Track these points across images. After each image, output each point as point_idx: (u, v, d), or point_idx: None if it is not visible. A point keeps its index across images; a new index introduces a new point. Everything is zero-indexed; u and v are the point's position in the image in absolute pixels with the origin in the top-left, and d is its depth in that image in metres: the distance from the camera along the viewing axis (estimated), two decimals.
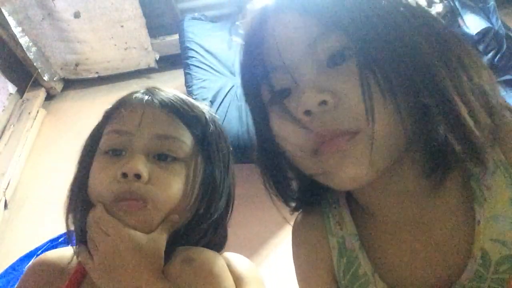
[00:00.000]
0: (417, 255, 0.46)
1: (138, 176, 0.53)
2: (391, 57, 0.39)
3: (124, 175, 0.53)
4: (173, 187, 0.55)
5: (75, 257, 0.62)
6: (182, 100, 0.61)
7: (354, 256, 0.49)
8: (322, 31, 0.41)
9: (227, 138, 0.66)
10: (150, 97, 0.59)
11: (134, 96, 0.61)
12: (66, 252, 0.66)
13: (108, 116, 0.62)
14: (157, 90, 0.62)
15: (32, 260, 0.66)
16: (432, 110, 0.39)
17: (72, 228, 0.64)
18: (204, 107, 0.64)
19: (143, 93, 0.61)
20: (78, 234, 0.63)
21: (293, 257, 0.58)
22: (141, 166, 0.54)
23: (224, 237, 0.67)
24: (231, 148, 0.66)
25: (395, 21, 0.40)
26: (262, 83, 0.46)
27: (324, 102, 0.40)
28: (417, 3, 0.43)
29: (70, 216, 0.64)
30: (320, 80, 0.41)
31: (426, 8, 0.45)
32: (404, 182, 0.45)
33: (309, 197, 0.55)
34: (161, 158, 0.56)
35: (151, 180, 0.54)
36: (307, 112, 0.41)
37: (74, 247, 0.63)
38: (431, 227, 0.46)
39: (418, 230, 0.46)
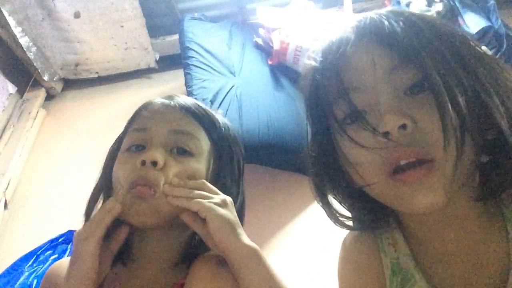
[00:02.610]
0: (464, 274, 0.50)
1: (154, 164, 0.59)
2: (463, 92, 0.42)
3: (143, 162, 0.59)
4: (186, 174, 0.61)
5: None
6: (199, 105, 0.68)
7: (410, 274, 0.51)
8: (400, 61, 0.44)
9: (241, 146, 0.72)
10: (169, 101, 0.67)
11: (154, 100, 0.68)
12: None
13: (131, 120, 0.70)
14: (175, 96, 0.69)
15: (46, 272, 0.67)
16: (490, 138, 0.44)
17: None
18: (219, 114, 0.72)
19: (162, 98, 0.68)
20: None
21: (341, 273, 0.60)
22: (158, 155, 0.59)
23: None
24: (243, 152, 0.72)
25: (464, 60, 0.44)
26: (337, 102, 0.47)
27: (403, 126, 0.42)
28: (472, 41, 0.48)
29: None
30: (400, 106, 0.44)
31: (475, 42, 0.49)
32: (458, 208, 0.49)
33: (369, 219, 0.57)
34: (178, 151, 0.62)
35: (165, 169, 0.60)
36: (386, 134, 0.43)
37: None
38: (475, 248, 0.49)
39: (464, 251, 0.50)
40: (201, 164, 0.63)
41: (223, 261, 0.58)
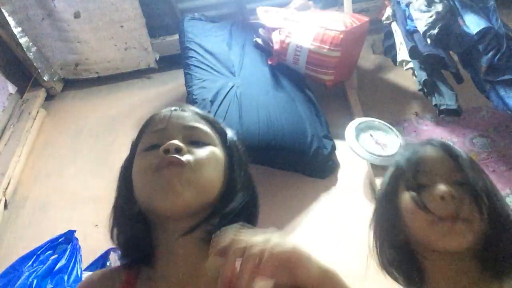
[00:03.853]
0: None
1: (178, 150, 0.60)
2: (486, 193, 0.70)
3: (166, 151, 0.60)
4: (208, 156, 0.63)
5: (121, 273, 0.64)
6: (208, 115, 0.73)
7: None
8: (458, 167, 0.72)
9: (248, 161, 0.73)
10: (179, 107, 0.71)
11: (165, 109, 0.71)
12: (111, 270, 0.69)
13: (143, 128, 0.70)
14: (188, 105, 0.74)
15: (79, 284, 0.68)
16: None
17: (116, 242, 0.67)
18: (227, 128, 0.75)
19: (174, 105, 0.72)
20: (124, 248, 0.66)
21: None
22: (178, 142, 0.61)
23: None
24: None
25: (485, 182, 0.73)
26: (406, 183, 0.74)
27: (453, 196, 0.68)
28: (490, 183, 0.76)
29: (115, 230, 0.66)
30: (450, 186, 0.70)
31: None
32: (467, 274, 0.69)
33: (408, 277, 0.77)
34: (193, 144, 0.64)
35: (190, 154, 0.61)
36: (442, 198, 0.68)
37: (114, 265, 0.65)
38: None
39: None
40: (217, 151, 0.66)
41: None
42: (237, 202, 0.65)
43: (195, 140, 0.64)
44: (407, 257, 0.75)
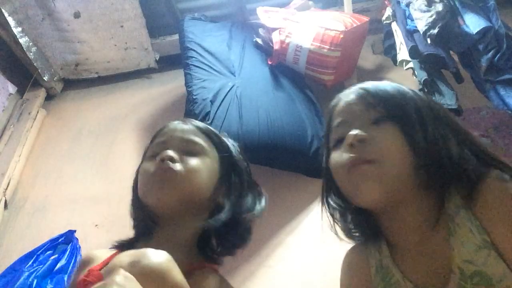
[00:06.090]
0: (420, 265, 0.65)
1: (171, 159, 0.73)
2: (411, 123, 0.65)
3: (162, 160, 0.73)
4: (198, 165, 0.75)
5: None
6: (210, 128, 0.84)
7: (389, 270, 0.68)
8: (370, 105, 0.68)
9: (250, 171, 0.87)
10: (184, 121, 0.83)
11: (173, 121, 0.84)
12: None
13: (153, 138, 0.84)
14: (191, 119, 0.86)
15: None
16: (441, 152, 0.63)
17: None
18: (229, 138, 0.87)
19: (179, 120, 0.84)
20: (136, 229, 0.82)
21: (340, 275, 0.78)
22: (173, 153, 0.74)
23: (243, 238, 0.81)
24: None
25: (415, 102, 0.68)
26: (331, 133, 0.73)
27: (361, 139, 0.64)
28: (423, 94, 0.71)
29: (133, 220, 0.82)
30: (364, 129, 0.66)
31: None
32: (411, 216, 0.66)
33: (366, 233, 0.74)
34: (188, 154, 0.76)
35: (181, 161, 0.74)
36: (351, 145, 0.64)
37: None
38: (428, 251, 0.65)
39: (419, 253, 0.66)
40: (208, 162, 0.77)
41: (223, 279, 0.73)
42: (225, 213, 0.75)
43: (190, 151, 0.76)
44: (358, 219, 0.73)
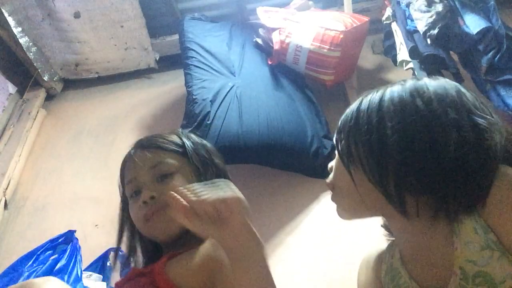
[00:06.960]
0: (424, 270, 0.67)
1: (152, 199, 0.80)
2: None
3: (144, 202, 0.81)
4: (176, 187, 0.76)
5: None
6: (155, 136, 0.89)
7: (398, 271, 0.72)
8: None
9: (209, 148, 0.92)
10: (134, 149, 0.89)
11: (130, 152, 0.90)
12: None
13: (121, 174, 0.92)
14: (140, 140, 0.91)
15: None
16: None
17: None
18: (176, 132, 0.92)
19: (132, 148, 0.90)
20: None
21: (358, 275, 0.85)
22: (150, 192, 0.81)
23: None
24: (214, 152, 0.92)
25: None
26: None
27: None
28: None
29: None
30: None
31: None
32: (412, 227, 0.66)
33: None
34: (164, 177, 0.82)
35: (162, 196, 0.80)
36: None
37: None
38: (431, 251, 0.65)
39: (422, 253, 0.67)
40: (184, 175, 0.84)
41: None
42: None
43: (163, 173, 0.82)
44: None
